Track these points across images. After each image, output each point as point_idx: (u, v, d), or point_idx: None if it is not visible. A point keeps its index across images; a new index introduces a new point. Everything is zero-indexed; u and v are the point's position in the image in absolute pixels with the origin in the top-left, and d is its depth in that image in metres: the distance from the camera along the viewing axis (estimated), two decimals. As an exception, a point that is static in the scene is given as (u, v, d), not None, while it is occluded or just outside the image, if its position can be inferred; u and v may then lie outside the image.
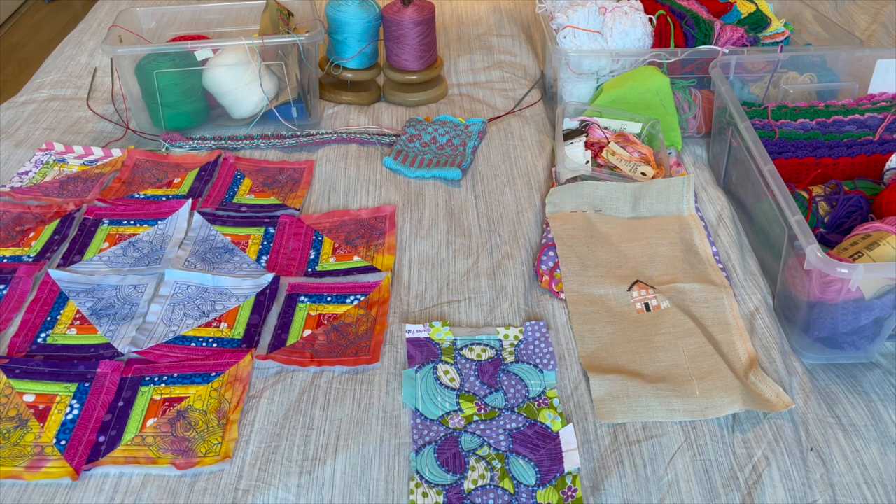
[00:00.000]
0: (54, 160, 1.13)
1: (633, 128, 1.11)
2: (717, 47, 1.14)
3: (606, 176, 1.04)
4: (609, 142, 1.07)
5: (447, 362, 0.82)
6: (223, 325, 0.87)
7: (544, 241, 0.97)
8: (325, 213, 1.04)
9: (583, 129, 1.10)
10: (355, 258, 0.96)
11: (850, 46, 1.15)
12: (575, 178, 1.03)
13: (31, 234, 0.98)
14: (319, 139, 1.19)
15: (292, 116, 1.23)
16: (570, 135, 1.09)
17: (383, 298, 0.90)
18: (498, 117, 1.24)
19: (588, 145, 1.08)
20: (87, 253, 0.96)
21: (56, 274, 0.91)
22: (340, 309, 0.89)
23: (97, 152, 1.15)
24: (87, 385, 0.79)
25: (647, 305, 0.89)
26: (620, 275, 0.93)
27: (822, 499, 0.70)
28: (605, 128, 1.11)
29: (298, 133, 1.20)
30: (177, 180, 1.09)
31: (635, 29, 1.15)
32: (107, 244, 0.97)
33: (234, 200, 1.06)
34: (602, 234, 0.98)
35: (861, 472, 0.73)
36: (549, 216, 1.00)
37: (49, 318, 0.87)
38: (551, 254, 0.94)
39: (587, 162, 1.06)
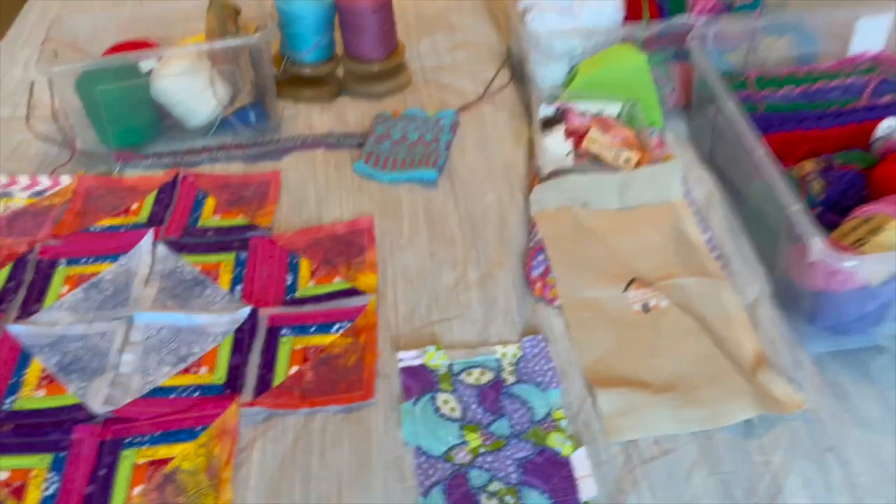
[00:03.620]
0: None
1: (612, 109, 1.06)
2: (692, 18, 1.09)
3: (590, 167, 0.99)
4: (589, 128, 1.02)
5: (445, 390, 0.78)
6: (203, 369, 0.81)
7: (532, 244, 0.92)
8: (298, 230, 0.98)
9: (560, 118, 1.04)
10: (336, 280, 0.91)
11: (829, 6, 1.11)
12: (557, 172, 0.99)
13: (-18, 284, 0.91)
14: (283, 146, 1.12)
15: (250, 121, 1.15)
16: (548, 123, 1.04)
17: (370, 323, 0.85)
18: (468, 106, 1.18)
19: (568, 134, 1.03)
20: (46, 300, 0.89)
21: (15, 329, 0.85)
22: (326, 339, 0.84)
23: (44, 181, 1.06)
24: (63, 455, 0.73)
25: (645, 306, 0.86)
26: (615, 274, 0.89)
27: (847, 502, 0.69)
28: (583, 112, 1.05)
29: (259, 141, 1.13)
30: (134, 206, 1.02)
31: (607, 3, 1.09)
32: (66, 287, 0.90)
33: (199, 224, 1.00)
34: (591, 230, 0.94)
35: (881, 470, 0.71)
36: (535, 216, 0.95)
37: (13, 381, 0.80)
38: (541, 258, 0.90)
39: (568, 154, 1.01)
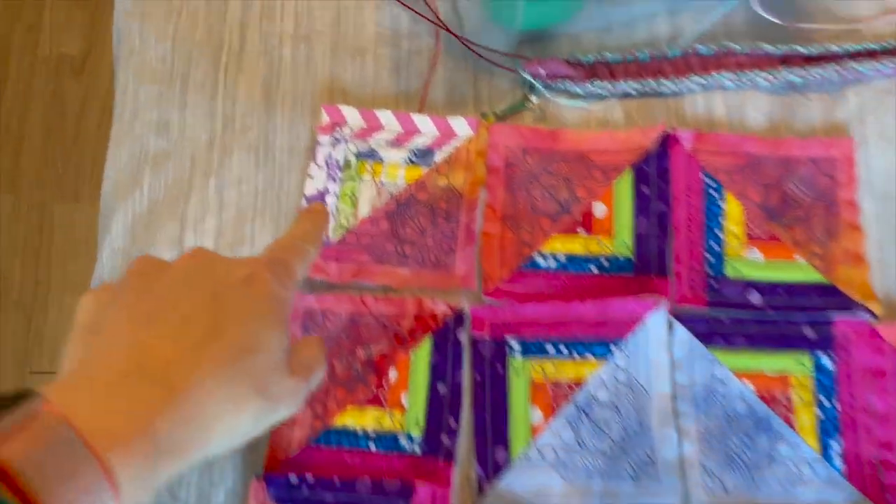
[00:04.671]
0: (356, 153, 0.60)
1: None
2: None
3: None
4: None
5: None
6: None
7: None
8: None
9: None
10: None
11: None
12: None
13: (372, 376, 0.55)
14: (858, 67, 0.59)
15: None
16: None
17: None
18: None
19: None
20: (511, 435, 0.53)
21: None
22: None
23: (425, 126, 0.60)
24: None
25: None
26: None
27: None
28: None
29: (808, 50, 0.59)
30: (599, 210, 0.57)
31: None
32: (535, 408, 0.54)
33: (726, 271, 0.56)
34: None
35: None
36: None
37: None
38: None
39: None
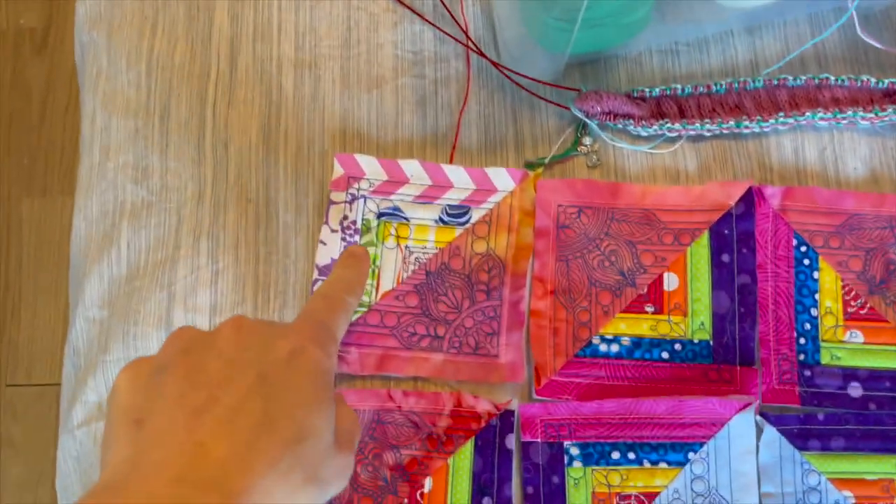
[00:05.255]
0: (377, 213, 0.50)
1: None
2: None
3: None
4: None
5: None
6: None
7: None
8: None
9: None
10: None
11: None
12: None
13: None
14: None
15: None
16: None
17: None
18: None
19: None
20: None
21: None
22: None
23: (459, 179, 0.50)
24: None
25: None
26: None
27: None
28: None
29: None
30: (671, 283, 0.48)
31: None
32: (598, 524, 0.46)
33: (822, 358, 0.47)
34: None
35: None
36: None
37: None
38: None
39: None
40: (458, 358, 0.48)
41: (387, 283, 0.49)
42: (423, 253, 0.49)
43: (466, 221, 0.50)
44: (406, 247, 0.49)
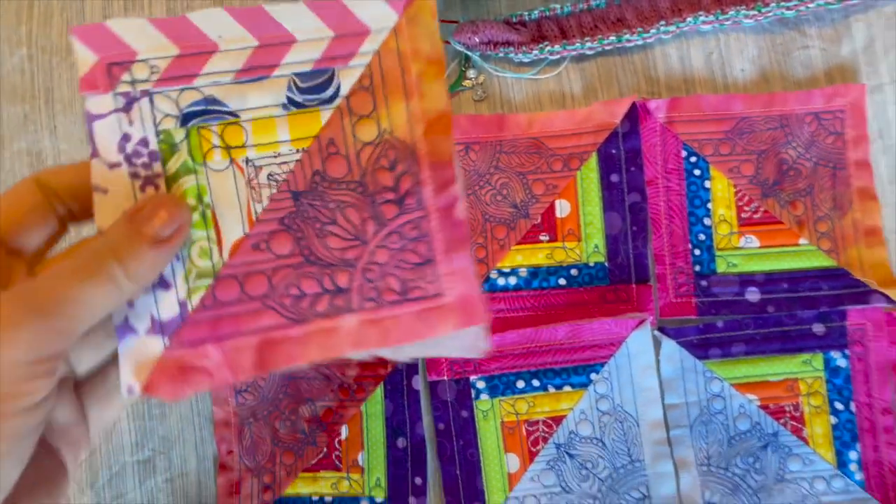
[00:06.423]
0: (178, 115, 0.30)
1: None
2: None
3: None
4: None
5: None
6: None
7: None
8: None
9: None
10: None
11: None
12: None
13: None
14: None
15: None
16: None
17: None
18: None
19: None
20: (485, 484, 0.47)
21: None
22: None
23: (300, 23, 0.29)
24: None
25: None
26: None
27: None
28: None
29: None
30: (563, 209, 0.48)
31: None
32: (513, 455, 0.47)
33: (718, 267, 0.47)
34: None
35: None
36: None
37: None
38: None
39: None
40: (382, 313, 0.30)
41: (233, 230, 0.30)
42: (278, 164, 0.30)
43: (335, 96, 0.30)
44: (247, 160, 0.30)
